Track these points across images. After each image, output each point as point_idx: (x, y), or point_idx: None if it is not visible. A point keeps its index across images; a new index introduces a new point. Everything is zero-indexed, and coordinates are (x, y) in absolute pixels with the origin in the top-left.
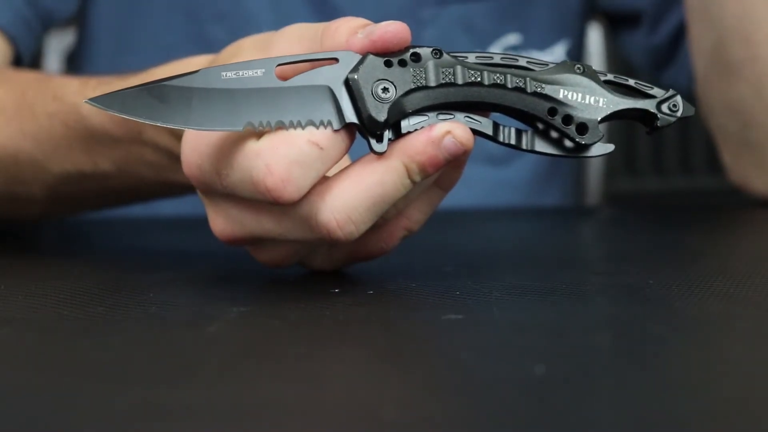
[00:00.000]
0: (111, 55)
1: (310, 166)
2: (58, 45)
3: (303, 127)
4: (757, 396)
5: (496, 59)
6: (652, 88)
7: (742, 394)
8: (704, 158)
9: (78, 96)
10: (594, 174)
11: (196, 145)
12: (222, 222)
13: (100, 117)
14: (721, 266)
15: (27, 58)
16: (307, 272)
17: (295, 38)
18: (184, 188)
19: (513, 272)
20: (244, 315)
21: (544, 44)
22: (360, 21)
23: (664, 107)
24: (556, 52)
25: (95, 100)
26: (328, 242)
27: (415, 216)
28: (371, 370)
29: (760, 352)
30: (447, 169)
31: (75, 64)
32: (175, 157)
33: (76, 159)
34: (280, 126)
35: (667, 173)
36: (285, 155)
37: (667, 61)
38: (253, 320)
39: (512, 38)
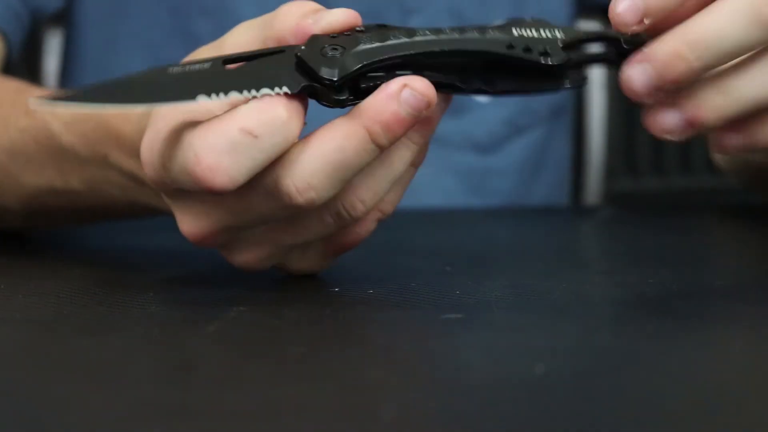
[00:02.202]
0: (98, 53)
1: (244, 154)
2: (57, 45)
3: (258, 92)
4: (758, 396)
5: (446, 30)
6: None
7: (742, 394)
8: (704, 158)
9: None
10: (594, 174)
11: (150, 143)
12: (189, 220)
13: (68, 137)
14: (721, 266)
15: (17, 54)
16: None
17: (244, 29)
18: (154, 210)
19: (513, 272)
20: (244, 315)
21: None
22: (309, 6)
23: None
24: None
25: (41, 103)
26: (290, 212)
27: (388, 196)
28: (371, 369)
29: (760, 352)
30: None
31: (64, 61)
32: (139, 180)
33: (47, 175)
34: (236, 96)
35: (667, 173)
36: (213, 144)
37: None
38: (253, 320)
39: None
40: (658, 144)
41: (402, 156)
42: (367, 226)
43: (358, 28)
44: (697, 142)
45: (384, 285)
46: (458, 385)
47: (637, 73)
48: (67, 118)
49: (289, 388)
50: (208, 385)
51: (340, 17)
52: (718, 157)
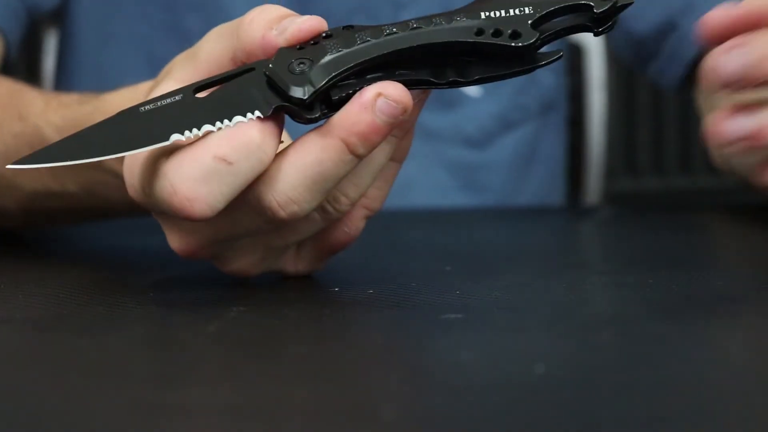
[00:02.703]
0: (92, 50)
1: (219, 181)
2: (57, 45)
3: (231, 121)
4: (758, 395)
5: (411, 23)
6: None
7: (742, 394)
8: (704, 158)
9: (40, 118)
10: (594, 174)
11: (131, 166)
12: (177, 236)
13: None
14: (721, 266)
15: (14, 52)
16: None
17: (215, 37)
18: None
19: (513, 272)
20: (244, 315)
21: None
22: (274, 12)
23: None
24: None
25: (19, 163)
26: (275, 224)
27: (373, 193)
28: (371, 369)
29: (760, 352)
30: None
31: (60, 59)
32: None
33: (43, 179)
34: (208, 130)
35: (667, 173)
36: (188, 174)
37: (652, 55)
38: (253, 320)
39: None
40: (658, 144)
41: (383, 149)
42: (356, 223)
43: (324, 34)
44: (697, 142)
45: (384, 285)
46: (458, 385)
47: (732, 57)
48: (60, 123)
49: (289, 388)
50: (208, 385)
51: (304, 26)
52: (717, 157)
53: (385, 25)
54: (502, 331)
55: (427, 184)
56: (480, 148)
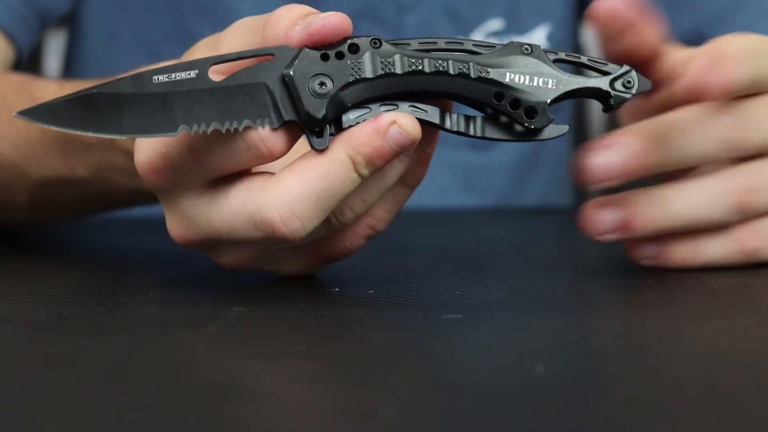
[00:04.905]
0: (99, 51)
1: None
2: (57, 45)
3: (240, 128)
4: (758, 395)
5: (441, 44)
6: (607, 64)
7: (742, 394)
8: None
9: None
10: None
11: (140, 144)
12: (178, 223)
13: None
14: (721, 266)
15: (26, 56)
16: None
17: (240, 32)
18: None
19: (513, 272)
20: (244, 315)
21: (525, 28)
22: (300, 10)
23: (618, 84)
24: (537, 36)
25: (24, 113)
26: (274, 241)
27: (380, 214)
28: (371, 369)
29: (760, 352)
30: (412, 165)
31: (68, 61)
32: None
33: (53, 164)
34: (216, 129)
35: (667, 173)
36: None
37: None
38: (253, 320)
39: (495, 24)
40: None
41: (394, 167)
42: (357, 240)
43: (349, 42)
44: None
45: (384, 285)
46: (458, 385)
47: (604, 157)
48: None
49: (290, 388)
50: (208, 386)
51: (329, 20)
52: None
53: (408, 49)
54: (502, 331)
55: (429, 186)
56: (483, 150)
